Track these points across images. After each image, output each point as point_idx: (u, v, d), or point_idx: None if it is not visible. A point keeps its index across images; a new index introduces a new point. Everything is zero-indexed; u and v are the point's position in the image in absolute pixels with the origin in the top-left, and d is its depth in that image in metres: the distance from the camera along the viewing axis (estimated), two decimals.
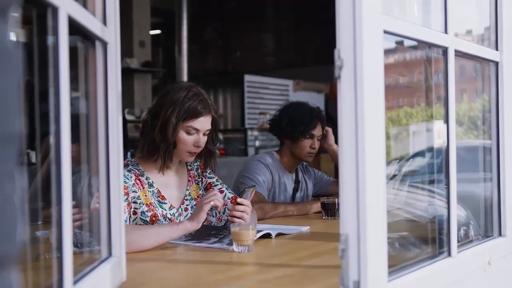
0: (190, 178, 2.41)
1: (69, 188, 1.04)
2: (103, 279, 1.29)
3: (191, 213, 2.32)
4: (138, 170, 2.25)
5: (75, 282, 1.11)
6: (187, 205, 2.36)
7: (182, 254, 1.90)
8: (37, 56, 1.08)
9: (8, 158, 0.57)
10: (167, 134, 2.18)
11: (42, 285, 1.19)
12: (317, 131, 3.05)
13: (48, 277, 1.14)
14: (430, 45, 1.59)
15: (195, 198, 2.38)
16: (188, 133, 2.22)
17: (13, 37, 0.60)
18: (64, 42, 1.03)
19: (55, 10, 1.01)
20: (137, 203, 2.16)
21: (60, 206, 1.02)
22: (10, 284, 0.57)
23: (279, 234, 2.21)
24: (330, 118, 3.22)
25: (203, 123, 2.24)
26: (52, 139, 1.03)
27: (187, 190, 2.38)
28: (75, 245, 1.25)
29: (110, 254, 1.39)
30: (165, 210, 2.25)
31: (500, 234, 1.84)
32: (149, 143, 2.23)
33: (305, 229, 2.38)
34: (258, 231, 2.06)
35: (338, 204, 2.68)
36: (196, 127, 2.22)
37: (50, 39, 1.03)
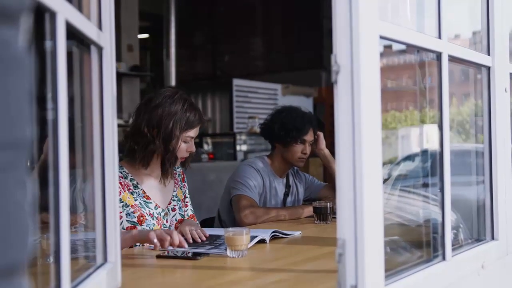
0: (176, 181, 2.49)
1: (67, 194, 1.03)
2: (99, 285, 1.28)
3: (179, 213, 2.43)
4: (121, 173, 2.29)
5: None
6: (174, 205, 2.43)
7: (176, 260, 1.89)
8: (34, 61, 1.07)
9: (19, 164, 0.57)
10: (171, 146, 2.27)
11: None
12: (309, 137, 3.06)
13: (43, 283, 1.13)
14: (425, 50, 1.60)
15: (181, 200, 2.48)
16: (185, 142, 2.32)
17: (24, 44, 0.60)
18: (62, 46, 1.02)
19: (53, 15, 1.00)
20: (120, 206, 2.19)
21: (58, 212, 1.02)
22: None
23: (274, 237, 2.21)
24: (319, 122, 3.23)
25: (197, 130, 2.37)
26: (49, 144, 1.02)
27: (174, 191, 2.46)
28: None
29: (105, 260, 1.38)
30: (151, 209, 2.31)
31: (492, 238, 1.85)
32: (150, 154, 2.28)
33: (297, 233, 2.38)
34: (253, 237, 2.06)
35: (330, 208, 2.70)
36: (193, 136, 2.34)
37: (47, 44, 1.02)
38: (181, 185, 2.52)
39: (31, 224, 0.59)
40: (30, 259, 1.29)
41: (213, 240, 2.16)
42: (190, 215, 2.49)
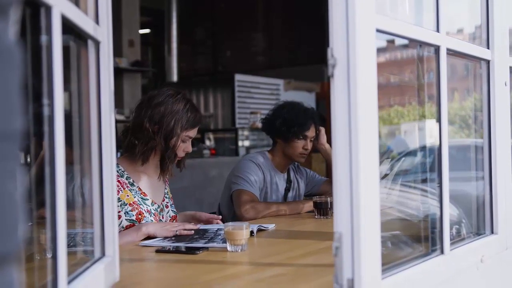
0: (166, 179, 2.53)
1: (63, 188, 1.03)
2: (96, 279, 1.28)
3: (171, 210, 2.48)
4: (118, 171, 2.30)
5: (69, 282, 1.10)
6: (167, 202, 2.48)
7: (175, 254, 1.90)
8: (30, 56, 1.07)
9: (10, 156, 0.57)
10: (171, 143, 2.31)
11: (35, 285, 1.18)
12: (311, 133, 3.05)
13: (41, 278, 1.14)
14: (422, 44, 1.59)
15: (171, 198, 2.53)
16: (183, 141, 2.36)
17: (13, 36, 0.60)
18: (57, 41, 1.02)
19: (48, 9, 1.00)
20: (118, 205, 2.21)
21: (54, 206, 1.02)
22: (12, 282, 0.57)
23: (259, 230, 2.26)
24: (321, 117, 3.23)
25: (196, 131, 2.41)
26: (45, 140, 1.02)
27: (166, 189, 2.50)
28: (68, 245, 1.25)
29: (103, 254, 1.39)
30: (148, 206, 2.34)
31: (492, 232, 1.85)
32: (149, 150, 2.31)
33: (271, 226, 2.40)
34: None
35: (331, 203, 2.70)
36: (191, 136, 2.38)
37: (43, 38, 1.02)
38: (168, 184, 2.57)
39: (22, 215, 0.59)
40: (27, 252, 1.29)
41: (202, 234, 2.16)
42: (172, 216, 2.50)
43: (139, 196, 2.32)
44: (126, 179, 2.32)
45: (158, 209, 2.39)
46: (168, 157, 2.32)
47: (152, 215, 2.33)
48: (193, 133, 2.38)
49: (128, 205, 2.26)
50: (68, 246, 1.15)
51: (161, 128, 2.29)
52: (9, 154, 0.57)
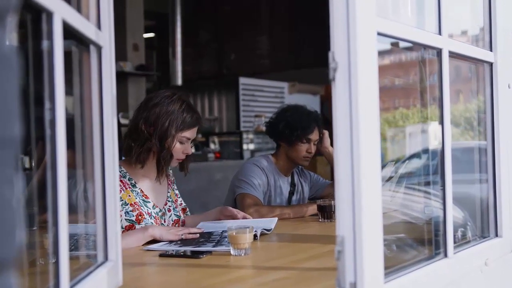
0: (169, 182, 2.53)
1: (65, 192, 1.03)
2: (99, 284, 1.29)
3: (174, 214, 2.47)
4: (120, 172, 2.31)
5: (71, 287, 1.10)
6: (169, 206, 2.48)
7: (179, 258, 1.90)
8: (31, 61, 1.07)
9: (7, 162, 0.57)
10: (166, 144, 2.30)
11: None
12: (314, 136, 3.05)
13: (44, 282, 1.14)
14: (424, 47, 1.59)
15: (174, 201, 2.52)
16: (181, 142, 2.35)
17: (11, 41, 0.60)
18: (59, 46, 1.03)
19: (49, 15, 1.01)
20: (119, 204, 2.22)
21: (56, 211, 1.02)
22: (10, 287, 0.57)
23: (262, 234, 2.25)
24: (325, 120, 3.22)
25: (194, 132, 2.39)
26: (47, 144, 1.03)
27: (168, 192, 2.50)
28: (71, 249, 1.25)
29: (106, 258, 1.39)
30: (150, 208, 2.34)
31: (496, 235, 1.85)
32: (145, 151, 2.31)
33: (273, 223, 2.42)
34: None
35: (334, 206, 2.68)
36: (189, 137, 2.37)
37: (44, 44, 1.03)
38: (173, 186, 2.57)
39: (20, 221, 0.60)
40: (30, 257, 1.29)
41: (208, 238, 2.16)
42: (182, 209, 2.55)
43: (141, 198, 2.33)
44: (129, 180, 2.33)
45: (160, 213, 2.39)
46: (163, 158, 2.32)
47: (153, 218, 2.33)
48: (190, 134, 2.36)
49: (129, 205, 2.27)
50: (70, 250, 1.15)
51: (156, 129, 2.29)
52: (7, 160, 0.57)
